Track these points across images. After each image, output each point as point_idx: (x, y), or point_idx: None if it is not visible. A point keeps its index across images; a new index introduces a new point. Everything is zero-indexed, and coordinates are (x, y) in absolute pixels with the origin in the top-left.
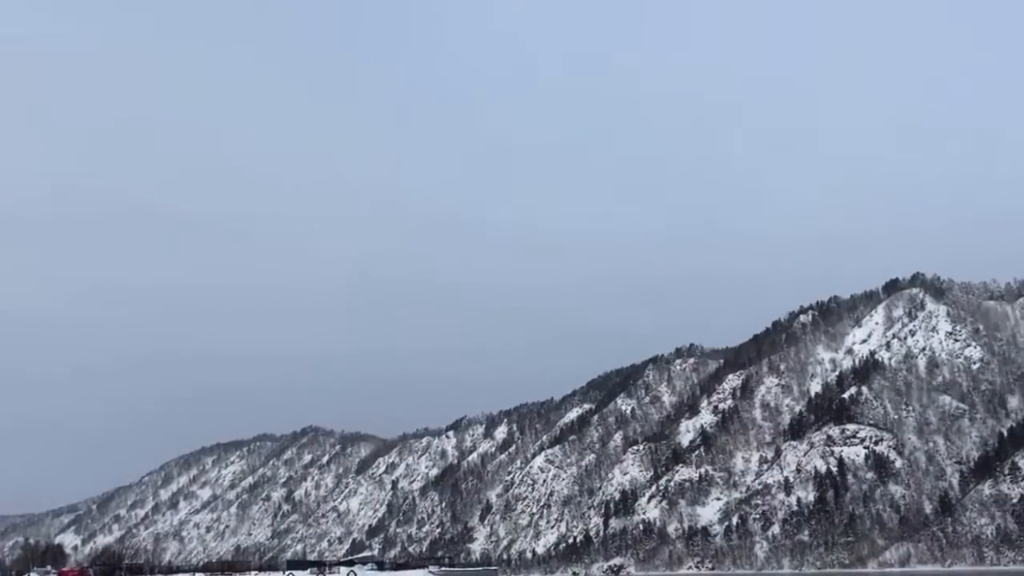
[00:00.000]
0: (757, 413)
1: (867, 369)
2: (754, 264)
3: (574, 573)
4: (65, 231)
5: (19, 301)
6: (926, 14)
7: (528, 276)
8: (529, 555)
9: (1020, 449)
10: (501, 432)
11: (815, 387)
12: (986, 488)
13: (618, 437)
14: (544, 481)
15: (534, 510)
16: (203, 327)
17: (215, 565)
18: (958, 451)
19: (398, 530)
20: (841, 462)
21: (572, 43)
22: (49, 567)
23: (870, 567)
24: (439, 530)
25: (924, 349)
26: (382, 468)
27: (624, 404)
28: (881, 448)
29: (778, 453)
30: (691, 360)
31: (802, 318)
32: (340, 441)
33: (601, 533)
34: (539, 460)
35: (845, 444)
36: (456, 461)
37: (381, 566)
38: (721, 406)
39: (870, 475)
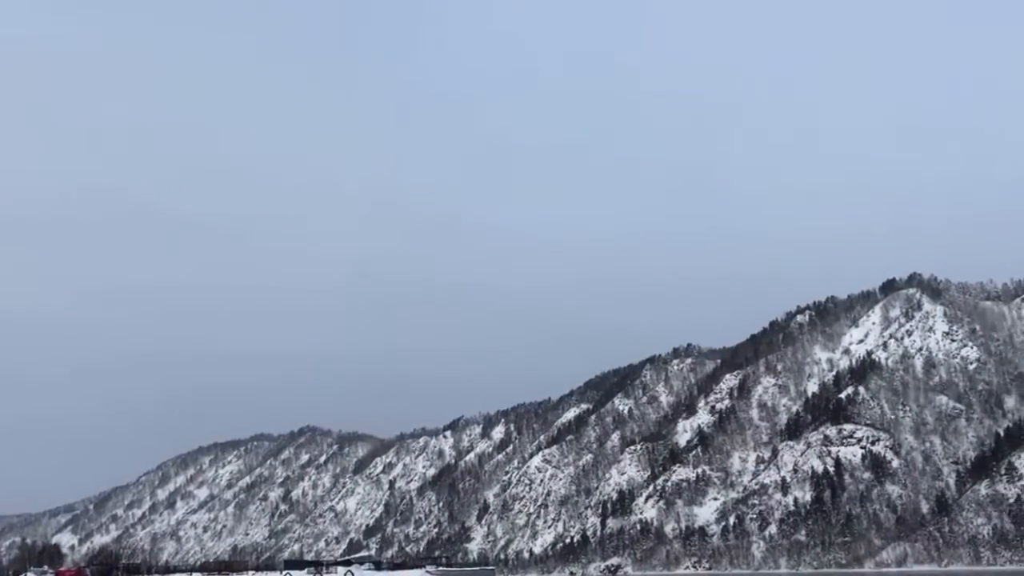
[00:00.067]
0: (754, 413)
1: (864, 369)
2: (751, 264)
3: (571, 573)
4: (65, 231)
5: (19, 301)
6: (925, 14)
7: (526, 276)
8: (526, 555)
9: (1017, 449)
10: (498, 432)
11: (812, 387)
12: (983, 488)
13: (615, 437)
14: (541, 481)
15: (531, 510)
16: (202, 327)
17: (212, 565)
18: (955, 451)
19: (395, 530)
20: (838, 462)
21: (572, 43)
22: (46, 567)
23: (867, 567)
24: (436, 530)
25: (921, 349)
26: (379, 468)
27: (621, 404)
28: (878, 448)
29: (775, 453)
30: (688, 360)
31: (799, 318)
32: (337, 441)
33: (598, 533)
34: (536, 460)
35: (842, 444)
36: (453, 461)
37: (378, 566)
38: (718, 406)
39: (867, 475)
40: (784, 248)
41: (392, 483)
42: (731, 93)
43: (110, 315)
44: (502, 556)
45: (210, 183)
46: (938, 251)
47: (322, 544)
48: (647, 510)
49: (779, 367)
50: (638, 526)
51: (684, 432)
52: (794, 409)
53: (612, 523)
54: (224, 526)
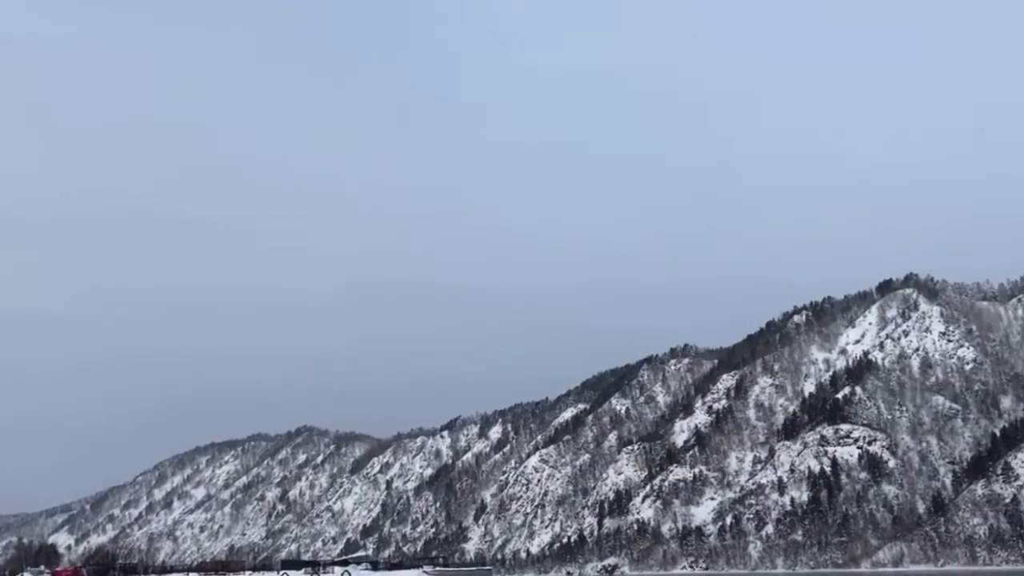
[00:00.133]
0: (751, 413)
1: (861, 369)
2: (749, 265)
3: (568, 573)
4: (64, 231)
5: (18, 301)
6: (924, 14)
7: (524, 276)
8: (523, 555)
9: (1013, 449)
10: (496, 432)
11: (809, 387)
12: (979, 488)
13: (612, 437)
14: (538, 481)
15: (528, 510)
16: (200, 327)
17: (209, 565)
18: (951, 451)
19: (392, 530)
20: (835, 462)
21: (572, 44)
22: (42, 567)
23: (863, 567)
24: (433, 530)
25: (917, 349)
26: (376, 468)
27: (619, 404)
28: (874, 448)
29: (772, 453)
30: (685, 360)
31: (796, 318)
32: (334, 441)
33: (595, 533)
34: (533, 460)
35: (839, 444)
36: (450, 461)
37: (375, 566)
38: (715, 406)
39: (863, 475)
40: (781, 249)
41: (389, 483)
42: (731, 93)
43: (108, 315)
44: (499, 556)
45: (210, 183)
46: (935, 252)
47: (319, 544)
48: (644, 510)
49: (776, 367)
50: (635, 526)
51: (681, 432)
52: (791, 409)
53: (609, 523)
54: (221, 526)
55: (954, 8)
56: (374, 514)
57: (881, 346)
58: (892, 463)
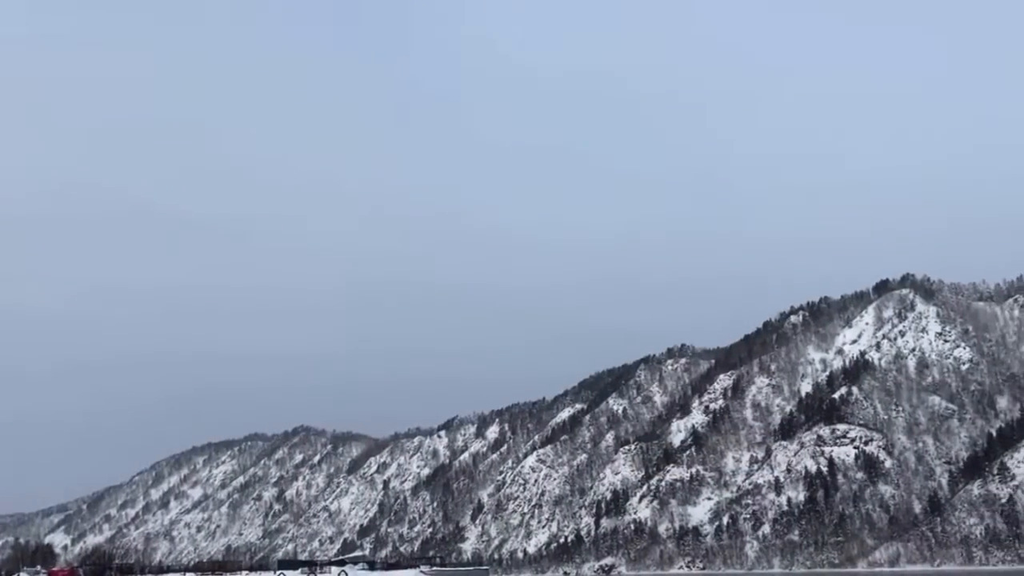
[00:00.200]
0: (748, 413)
1: (857, 369)
2: (747, 265)
3: (565, 573)
4: (64, 230)
5: (15, 299)
6: (924, 14)
7: (522, 276)
8: (520, 555)
9: (1009, 449)
10: (493, 432)
11: (805, 387)
12: (975, 488)
13: (609, 437)
14: (535, 481)
15: (525, 510)
16: (199, 326)
17: (206, 565)
18: (947, 451)
19: (389, 530)
20: (831, 462)
21: (572, 44)
22: (39, 567)
23: (860, 567)
24: (430, 530)
25: (914, 350)
26: (373, 468)
27: (616, 404)
28: (871, 448)
29: (768, 453)
30: (682, 360)
31: (793, 319)
32: (331, 441)
33: (592, 533)
34: (531, 460)
35: (835, 444)
36: (448, 461)
37: (372, 566)
38: (712, 406)
39: (860, 475)
40: (780, 249)
41: (386, 483)
42: (730, 93)
43: (106, 314)
44: (496, 556)
45: (209, 183)
46: (933, 252)
47: (316, 544)
48: (641, 510)
49: (773, 367)
50: (632, 526)
51: (678, 432)
52: (788, 409)
53: (606, 523)
54: (218, 526)
55: (954, 8)
56: (371, 514)
57: (878, 346)
58: (888, 463)
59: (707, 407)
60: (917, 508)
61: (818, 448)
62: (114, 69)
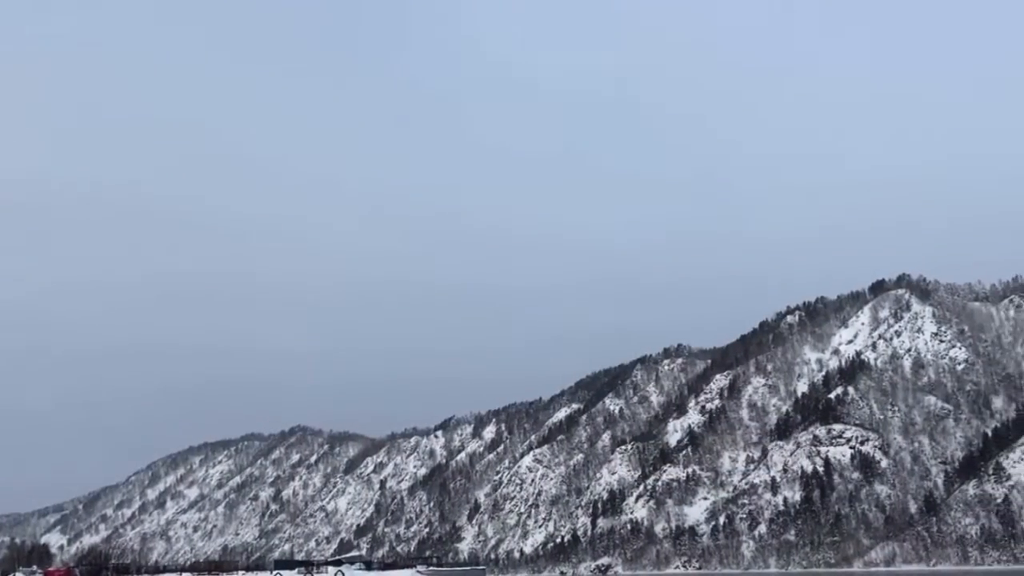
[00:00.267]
0: (744, 413)
1: (853, 369)
2: (745, 265)
3: (562, 573)
4: (64, 228)
5: (14, 298)
6: (924, 14)
7: (519, 277)
8: (517, 555)
9: (1004, 449)
10: (489, 432)
11: (802, 387)
12: (971, 488)
13: (606, 437)
14: (532, 481)
15: (522, 510)
16: (197, 323)
17: (202, 565)
18: (943, 451)
19: (386, 530)
20: (827, 462)
21: (572, 45)
22: (35, 567)
23: (856, 567)
24: (427, 530)
25: (910, 350)
26: (370, 468)
27: (612, 404)
28: (867, 448)
29: (765, 453)
30: (679, 360)
31: (789, 318)
32: (328, 441)
33: (589, 533)
34: (527, 460)
35: (831, 444)
36: (444, 461)
37: (369, 566)
38: (708, 406)
39: (856, 475)
40: (779, 249)
41: (383, 483)
42: (730, 94)
43: (103, 312)
44: (493, 556)
45: (209, 182)
46: (932, 252)
47: (313, 544)
48: (637, 510)
49: (769, 367)
50: (628, 526)
51: (674, 432)
52: (784, 409)
53: (602, 523)
54: (214, 526)
55: (954, 8)
56: (368, 514)
57: (873, 346)
58: (884, 463)
59: (703, 407)
60: (913, 508)
61: (814, 448)
62: (115, 67)
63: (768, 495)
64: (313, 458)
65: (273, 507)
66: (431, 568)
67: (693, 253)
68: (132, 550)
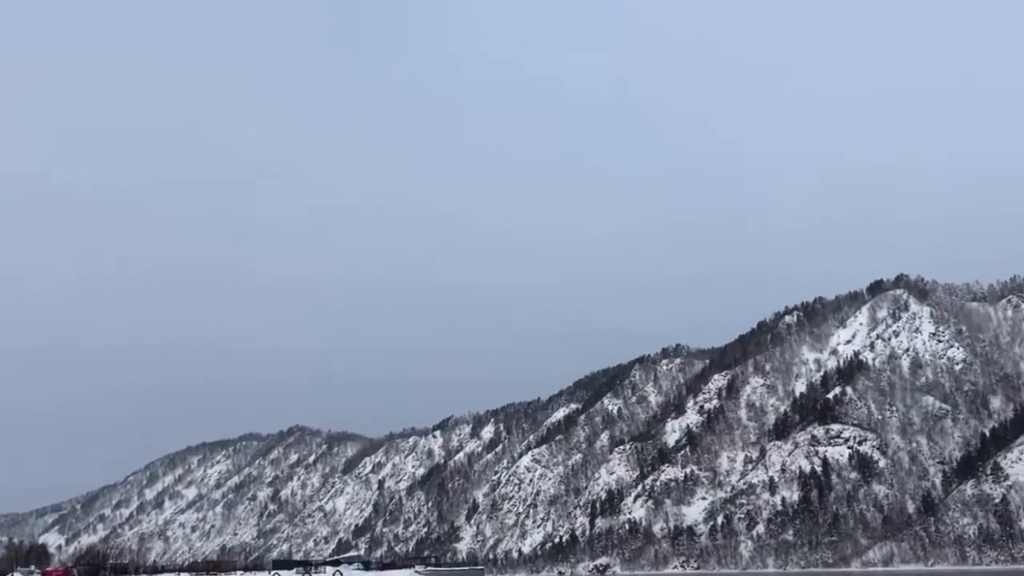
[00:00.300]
0: (742, 413)
1: (851, 370)
2: (743, 265)
3: (560, 572)
4: (60, 227)
5: (12, 296)
6: (924, 14)
7: (518, 277)
8: (515, 555)
9: (1002, 449)
10: (488, 432)
11: (800, 387)
12: (968, 488)
13: (604, 437)
14: (530, 481)
15: (520, 510)
16: (196, 323)
17: (200, 565)
18: (941, 451)
19: (384, 530)
20: (825, 462)
21: (572, 45)
22: (33, 567)
23: (854, 566)
24: (425, 530)
25: (908, 350)
26: (368, 468)
27: (610, 404)
28: (865, 448)
29: (763, 453)
30: (677, 360)
31: (787, 319)
32: (326, 441)
33: (587, 533)
34: (526, 460)
35: (829, 444)
36: (443, 461)
37: (367, 566)
38: (707, 406)
39: (854, 475)
40: (778, 249)
41: (381, 483)
42: (730, 93)
43: (101, 309)
44: (491, 556)
45: (208, 182)
46: (925, 252)
47: (311, 544)
48: (636, 510)
49: (767, 367)
50: (627, 526)
51: (673, 432)
52: (782, 409)
53: (601, 523)
54: (212, 526)
55: (953, 9)
56: (366, 514)
57: (871, 346)
58: (882, 463)
59: (702, 407)
60: (911, 508)
61: (812, 448)
62: (115, 67)
63: (766, 495)
64: (311, 458)
65: (271, 507)
66: (429, 568)
67: (692, 253)
68: (130, 550)
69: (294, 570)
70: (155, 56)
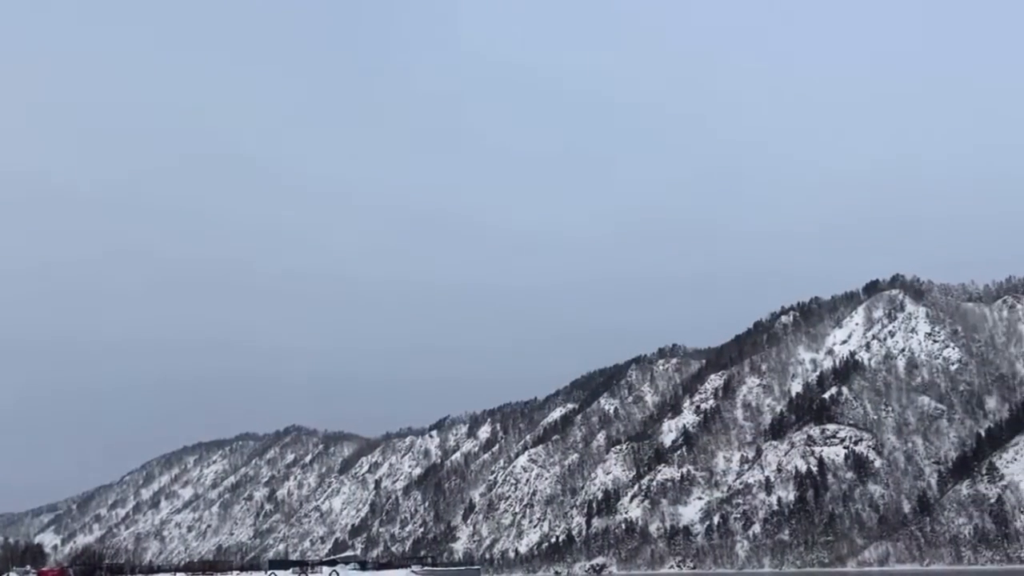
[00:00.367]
0: (739, 413)
1: (847, 370)
2: (742, 265)
3: (556, 572)
4: (60, 227)
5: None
6: (924, 14)
7: (517, 276)
8: (512, 554)
9: (997, 449)
10: (484, 432)
11: (796, 387)
12: (964, 488)
13: (601, 437)
14: (527, 481)
15: (517, 509)
16: (196, 322)
17: (196, 565)
18: (936, 451)
19: (381, 530)
20: (821, 462)
21: (571, 45)
22: (28, 567)
23: (849, 566)
24: (422, 529)
25: (903, 350)
26: (365, 468)
27: (607, 404)
28: (861, 448)
29: (759, 453)
30: (674, 360)
31: (783, 319)
32: (323, 440)
33: (583, 532)
34: (522, 460)
35: (825, 444)
36: (439, 461)
37: (364, 566)
38: (703, 406)
39: (850, 475)
40: (777, 249)
41: (378, 483)
42: (730, 93)
43: (102, 310)
44: (488, 556)
45: (209, 182)
46: (921, 253)
47: (307, 544)
48: (632, 509)
49: (763, 367)
50: (623, 525)
51: (669, 432)
52: (778, 409)
53: (597, 523)
54: (209, 526)
55: (954, 8)
56: (362, 514)
57: (867, 346)
58: (878, 463)
59: (698, 407)
60: (906, 508)
61: (808, 448)
62: (115, 67)
63: (762, 495)
64: (308, 458)
65: (268, 507)
66: (426, 568)
67: (691, 253)
68: (126, 550)
69: (290, 570)
70: (155, 56)
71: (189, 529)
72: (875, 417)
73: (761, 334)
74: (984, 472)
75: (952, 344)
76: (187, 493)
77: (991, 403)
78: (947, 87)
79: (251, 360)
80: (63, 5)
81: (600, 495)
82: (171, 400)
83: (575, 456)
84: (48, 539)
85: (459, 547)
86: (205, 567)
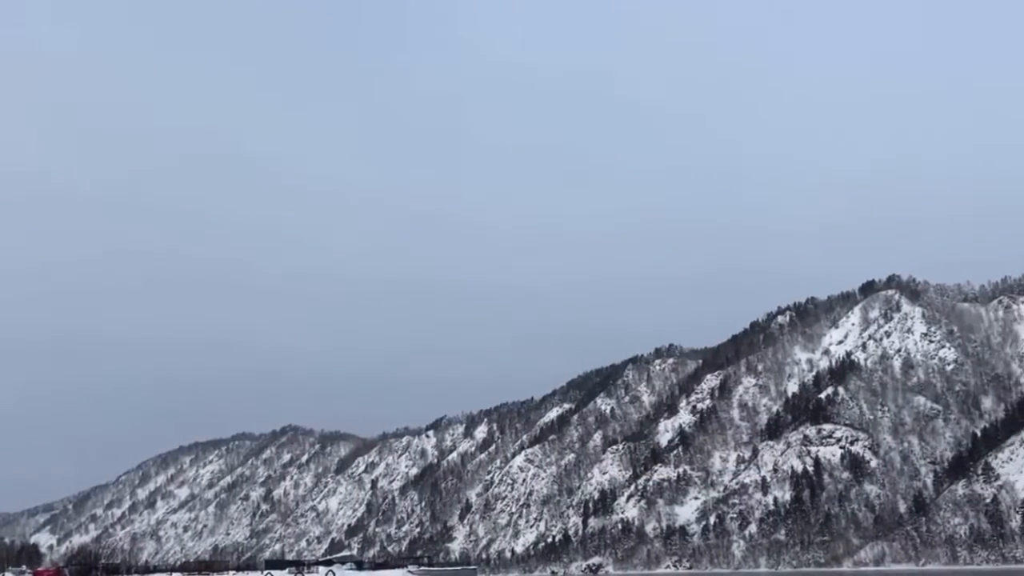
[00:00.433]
0: (735, 413)
1: (843, 370)
2: (736, 265)
3: (553, 572)
4: (60, 226)
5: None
6: (924, 14)
7: (513, 276)
8: (508, 554)
9: (993, 450)
10: (481, 432)
11: (792, 387)
12: (960, 488)
13: (597, 437)
14: (524, 480)
15: (513, 509)
16: (195, 321)
17: (193, 565)
18: (932, 451)
19: (377, 530)
20: (817, 462)
21: (571, 44)
22: (24, 567)
23: (845, 566)
24: (418, 529)
25: (899, 350)
26: (361, 467)
27: (604, 404)
28: (856, 448)
29: (755, 453)
30: (670, 360)
31: (780, 319)
32: (319, 440)
33: (580, 532)
34: (519, 460)
35: (821, 444)
36: (436, 460)
37: (360, 566)
38: (699, 406)
39: (846, 475)
40: (776, 249)
41: (374, 483)
42: (730, 93)
43: (97, 307)
44: (484, 556)
45: (209, 182)
46: (917, 253)
47: (303, 544)
48: (628, 509)
49: (760, 367)
50: (619, 525)
51: (665, 432)
52: (774, 409)
53: (594, 522)
54: (205, 526)
55: (954, 8)
56: (359, 514)
57: (863, 347)
58: (874, 463)
59: (694, 407)
60: (902, 508)
61: (804, 448)
62: (115, 68)
63: (758, 495)
64: (304, 458)
65: (264, 507)
66: (422, 568)
67: (691, 253)
68: (122, 550)
69: (287, 570)
70: (155, 56)
71: (185, 529)
72: (871, 417)
73: (757, 334)
74: (980, 472)
75: (948, 344)
76: (183, 493)
77: (987, 403)
78: (947, 87)
79: (251, 360)
80: (63, 5)
81: (596, 495)
82: (168, 400)
83: (571, 456)
84: (44, 539)
85: (455, 547)
86: (201, 567)
